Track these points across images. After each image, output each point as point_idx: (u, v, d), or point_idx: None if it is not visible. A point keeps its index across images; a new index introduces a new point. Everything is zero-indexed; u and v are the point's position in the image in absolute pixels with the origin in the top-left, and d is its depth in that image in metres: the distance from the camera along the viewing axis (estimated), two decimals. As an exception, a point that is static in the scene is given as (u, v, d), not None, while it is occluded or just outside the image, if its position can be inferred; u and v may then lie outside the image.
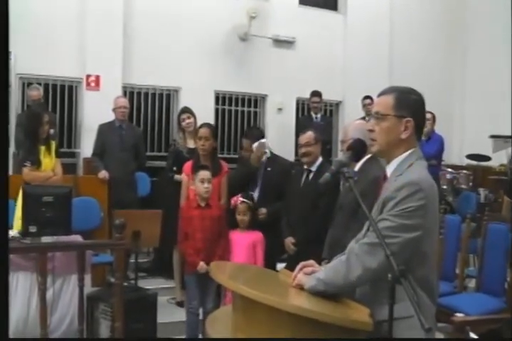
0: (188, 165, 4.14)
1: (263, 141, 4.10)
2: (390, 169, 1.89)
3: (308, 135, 3.73)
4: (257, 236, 3.78)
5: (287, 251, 3.75)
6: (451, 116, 8.55)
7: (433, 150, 6.35)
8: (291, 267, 2.01)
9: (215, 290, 3.72)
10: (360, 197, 1.75)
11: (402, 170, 1.83)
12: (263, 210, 3.96)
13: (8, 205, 1.62)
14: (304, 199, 3.66)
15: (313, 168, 3.71)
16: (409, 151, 1.86)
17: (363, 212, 1.74)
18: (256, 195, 4.06)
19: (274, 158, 4.14)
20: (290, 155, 6.63)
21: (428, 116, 6.38)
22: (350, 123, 3.31)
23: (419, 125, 1.88)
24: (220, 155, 6.26)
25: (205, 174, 3.75)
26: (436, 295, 1.85)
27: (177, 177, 4.48)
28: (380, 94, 1.91)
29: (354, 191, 1.79)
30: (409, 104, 1.86)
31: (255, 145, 4.05)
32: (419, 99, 1.89)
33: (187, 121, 4.86)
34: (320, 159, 3.75)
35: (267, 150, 4.11)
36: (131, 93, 6.59)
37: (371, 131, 1.90)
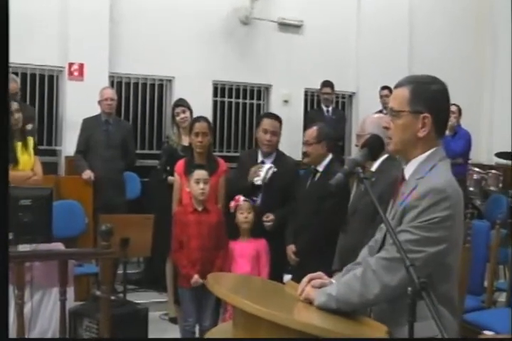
0: (180, 164, 4.14)
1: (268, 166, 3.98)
2: (408, 170, 1.88)
3: (310, 132, 3.74)
4: (260, 244, 3.79)
5: (289, 261, 3.76)
6: (479, 110, 8.54)
7: (459, 147, 6.35)
8: (296, 278, 2.01)
9: (213, 305, 3.72)
10: (379, 201, 1.74)
11: (424, 172, 1.82)
12: (270, 216, 3.91)
13: (7, 205, 1.67)
14: (307, 202, 3.67)
15: (320, 168, 3.71)
16: (431, 150, 1.86)
17: (381, 218, 1.74)
18: (259, 199, 4.03)
19: (279, 156, 4.14)
20: (298, 154, 6.63)
21: (453, 108, 6.39)
22: (368, 116, 3.32)
23: (441, 121, 1.86)
24: (218, 154, 6.33)
25: (201, 174, 3.75)
26: (458, 310, 1.86)
27: (170, 178, 4.48)
28: (396, 86, 1.91)
29: (370, 194, 1.79)
30: (428, 97, 1.83)
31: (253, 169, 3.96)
32: (440, 90, 1.85)
33: (182, 115, 4.87)
34: (329, 157, 3.75)
35: (264, 168, 3.96)
36: (118, 83, 6.60)
37: (387, 128, 1.91)
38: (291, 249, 3.73)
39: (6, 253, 1.70)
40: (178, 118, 4.89)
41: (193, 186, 3.73)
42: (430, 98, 1.83)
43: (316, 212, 3.60)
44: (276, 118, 4.10)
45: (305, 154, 3.76)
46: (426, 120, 1.83)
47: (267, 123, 4.01)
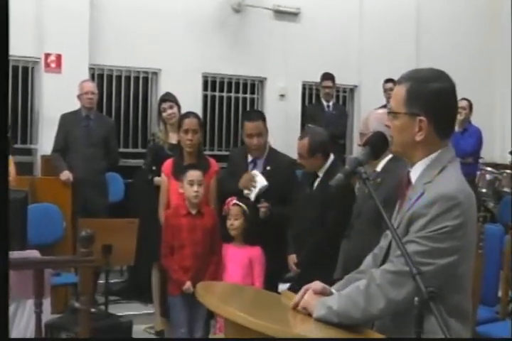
0: (168, 164, 4.14)
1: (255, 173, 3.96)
2: (414, 173, 1.88)
3: (301, 145, 3.73)
4: (255, 251, 3.79)
5: (291, 271, 3.77)
6: (491, 105, 8.58)
7: (469, 145, 6.38)
8: (294, 289, 2.01)
9: (205, 315, 3.73)
10: (385, 204, 1.74)
11: (432, 176, 1.81)
12: (264, 203, 3.89)
13: (7, 206, 1.71)
14: (309, 209, 3.68)
15: (321, 173, 3.73)
16: (438, 152, 1.84)
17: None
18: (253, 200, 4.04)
19: (274, 155, 4.14)
20: (295, 152, 6.64)
21: (463, 103, 6.41)
22: (371, 113, 3.32)
23: (442, 123, 1.83)
24: (209, 153, 6.34)
25: (194, 175, 3.76)
26: (471, 323, 1.86)
27: (157, 179, 4.49)
28: (397, 82, 1.91)
29: (374, 197, 1.78)
30: (425, 98, 1.80)
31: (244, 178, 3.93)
32: (441, 89, 1.81)
33: (169, 111, 4.86)
34: (329, 161, 3.75)
35: (258, 185, 3.92)
36: (100, 76, 6.59)
37: (388, 126, 1.91)
38: (292, 259, 3.74)
39: (6, 253, 1.75)
40: (164, 114, 4.89)
41: (186, 188, 3.74)
42: (428, 99, 1.80)
43: (318, 220, 3.61)
44: (258, 117, 4.08)
45: (300, 165, 3.78)
46: (422, 124, 1.81)
47: (249, 127, 4.00)
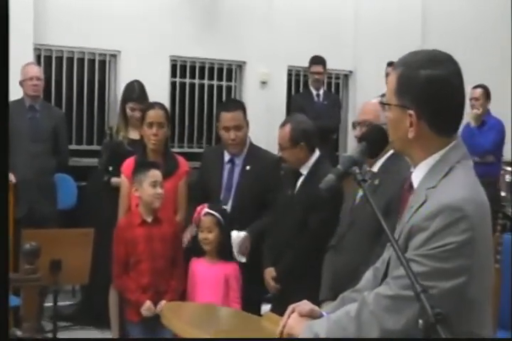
0: (128, 164, 4.15)
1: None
2: (416, 176, 1.87)
3: (282, 134, 3.75)
4: (231, 268, 3.81)
5: (268, 288, 3.78)
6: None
7: (488, 141, 6.35)
8: (277, 309, 2.02)
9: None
10: (385, 212, 1.74)
11: (436, 180, 1.80)
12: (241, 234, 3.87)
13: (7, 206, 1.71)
14: (290, 213, 3.70)
15: (304, 170, 3.74)
16: (445, 150, 1.83)
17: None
18: (229, 206, 4.06)
19: (255, 152, 4.16)
20: (280, 149, 6.65)
21: (477, 93, 6.41)
22: (367, 102, 3.34)
23: (437, 117, 1.80)
24: (177, 150, 6.33)
25: (158, 174, 3.78)
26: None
27: (115, 180, 4.48)
28: (393, 67, 1.91)
29: (371, 202, 1.78)
30: (414, 88, 1.79)
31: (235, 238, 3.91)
32: (430, 77, 1.78)
33: (137, 114, 4.76)
34: (314, 156, 3.77)
35: (235, 243, 3.92)
36: (47, 58, 6.57)
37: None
38: (269, 273, 3.74)
39: (7, 253, 1.88)
40: (130, 113, 4.83)
41: (147, 190, 3.73)
42: (417, 88, 1.79)
43: (301, 225, 3.63)
44: (237, 107, 4.12)
45: (281, 159, 3.79)
46: (412, 118, 1.80)
47: (226, 118, 4.02)
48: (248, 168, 4.09)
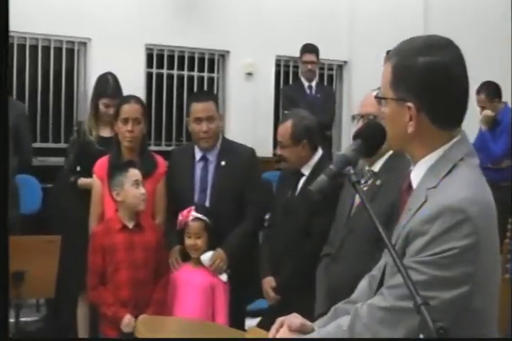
0: (101, 164, 4.14)
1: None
2: (416, 175, 1.87)
3: (283, 131, 3.77)
4: (217, 277, 3.80)
5: (267, 300, 3.77)
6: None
7: (504, 142, 6.33)
8: (268, 324, 2.02)
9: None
10: (390, 215, 1.73)
11: (437, 178, 1.79)
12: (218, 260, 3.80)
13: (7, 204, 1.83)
14: (292, 218, 3.71)
15: (306, 171, 3.76)
16: (447, 145, 1.82)
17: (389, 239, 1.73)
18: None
19: (228, 146, 4.15)
20: (267, 147, 6.66)
21: (481, 100, 6.33)
22: (368, 94, 3.35)
23: (439, 109, 1.79)
24: (155, 148, 6.32)
25: (138, 173, 3.78)
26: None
27: (83, 180, 4.47)
28: (387, 58, 1.89)
29: (367, 206, 1.77)
30: (413, 77, 1.78)
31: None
32: (428, 64, 1.77)
33: (111, 111, 4.73)
34: (317, 155, 3.79)
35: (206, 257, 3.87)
36: (9, 46, 6.52)
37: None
38: (268, 282, 3.74)
39: (7, 253, 2.00)
40: (103, 110, 4.79)
41: (129, 191, 3.73)
42: (416, 78, 1.78)
43: (304, 231, 3.63)
44: (208, 97, 4.13)
45: (280, 158, 3.78)
46: (411, 111, 1.79)
47: (196, 109, 4.02)
48: (223, 163, 4.08)
